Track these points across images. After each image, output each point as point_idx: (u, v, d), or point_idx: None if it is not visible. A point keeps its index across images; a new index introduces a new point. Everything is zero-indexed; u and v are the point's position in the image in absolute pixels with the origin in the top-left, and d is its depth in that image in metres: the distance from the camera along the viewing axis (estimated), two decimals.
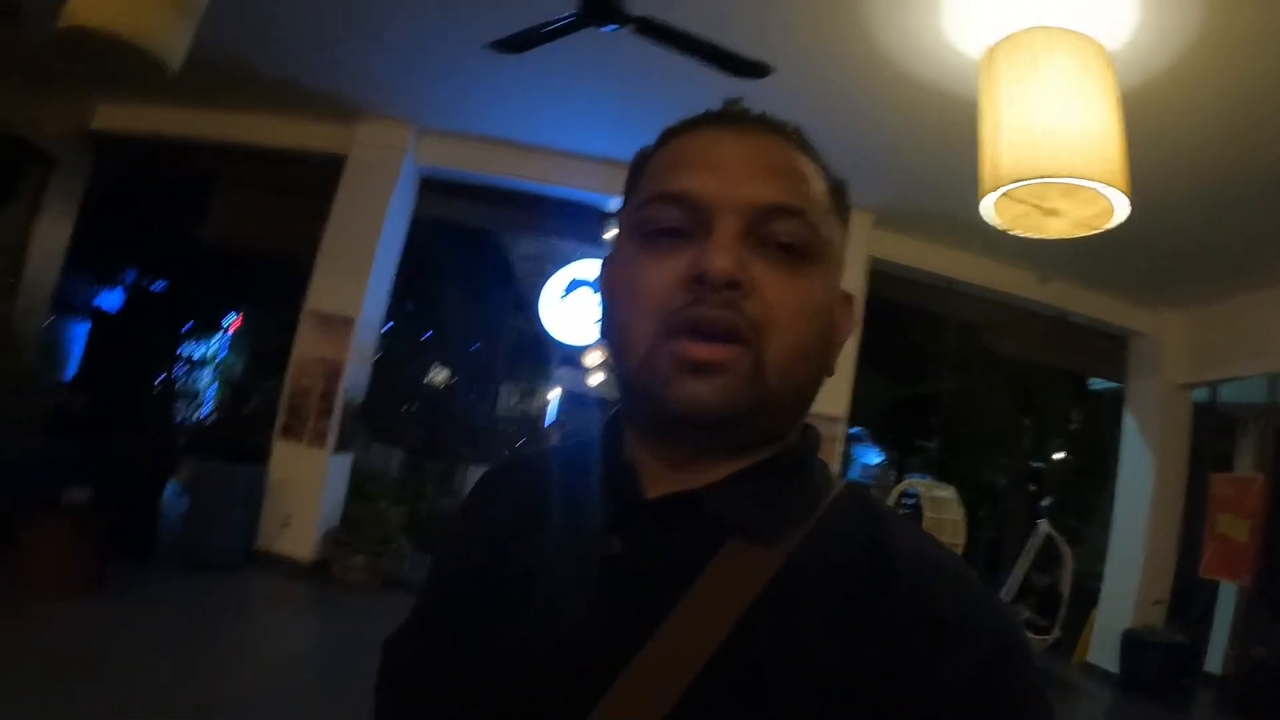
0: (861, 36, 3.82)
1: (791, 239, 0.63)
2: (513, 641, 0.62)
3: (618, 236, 0.71)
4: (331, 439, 5.92)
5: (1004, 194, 3.22)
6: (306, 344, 6.04)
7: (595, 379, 11.11)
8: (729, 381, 0.60)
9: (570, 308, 7.24)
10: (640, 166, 0.72)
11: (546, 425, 14.09)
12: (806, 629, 0.57)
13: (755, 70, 3.55)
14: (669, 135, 0.71)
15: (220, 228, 7.33)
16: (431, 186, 6.60)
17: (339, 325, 5.99)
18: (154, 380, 10.90)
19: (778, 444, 0.68)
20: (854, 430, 11.83)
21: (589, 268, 7.14)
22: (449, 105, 5.64)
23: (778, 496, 0.65)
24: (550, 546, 0.66)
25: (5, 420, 5.52)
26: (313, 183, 6.30)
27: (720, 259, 0.60)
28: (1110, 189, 3.03)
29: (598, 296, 0.73)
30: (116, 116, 6.69)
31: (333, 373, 5.93)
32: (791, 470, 0.67)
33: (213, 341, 13.13)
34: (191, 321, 12.07)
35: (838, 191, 0.71)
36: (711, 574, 0.60)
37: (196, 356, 13.06)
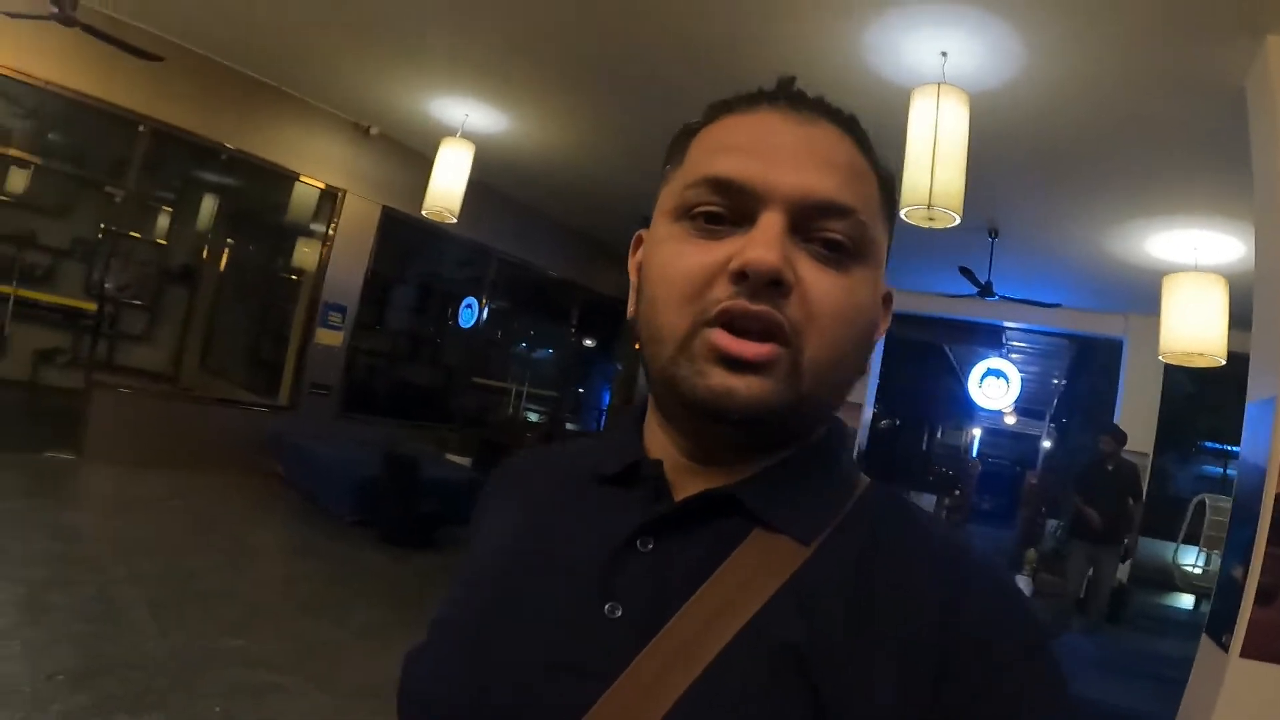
0: None
1: (840, 237, 0.64)
2: (536, 627, 0.64)
3: (656, 213, 0.71)
4: None
5: None
6: None
7: (1009, 420, 15.74)
8: (764, 380, 0.61)
9: (986, 387, 11.96)
10: (685, 141, 0.72)
11: (972, 456, 18.56)
12: (839, 619, 0.60)
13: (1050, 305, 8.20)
14: (720, 110, 0.71)
15: None
16: (897, 319, 11.43)
17: (851, 408, 11.00)
18: None
19: (804, 439, 0.70)
20: None
21: (995, 363, 11.78)
22: (904, 278, 10.51)
23: (809, 491, 0.68)
24: (579, 542, 0.69)
25: None
26: None
27: (766, 253, 0.60)
28: None
29: (634, 276, 0.73)
30: None
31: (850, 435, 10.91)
32: (821, 466, 0.71)
33: None
34: None
35: (889, 189, 0.72)
36: (738, 559, 0.63)
37: None
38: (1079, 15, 3.89)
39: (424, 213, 7.11)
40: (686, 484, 0.70)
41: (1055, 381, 14.63)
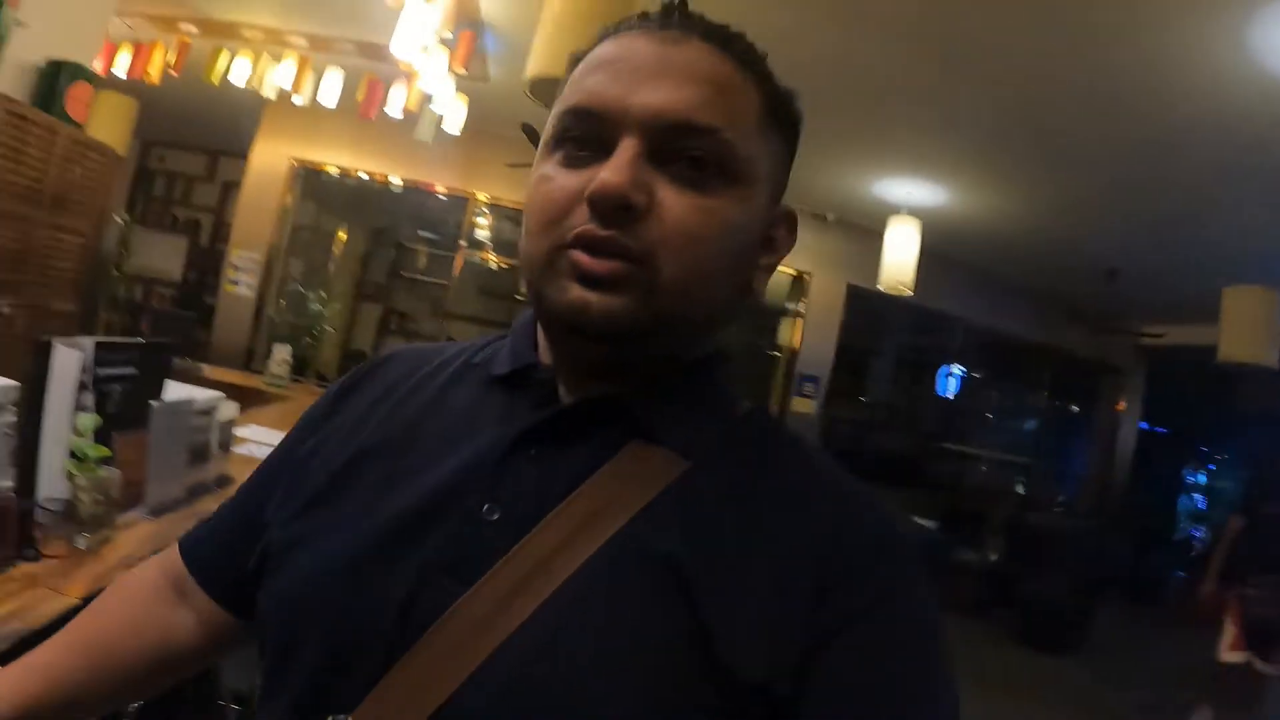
0: None
1: (703, 158, 0.66)
2: (418, 525, 0.66)
3: (539, 145, 0.73)
4: None
5: None
6: None
7: None
8: (615, 297, 0.64)
9: None
10: (569, 70, 0.74)
11: None
12: (719, 534, 0.63)
13: None
14: (600, 38, 0.73)
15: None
16: None
17: None
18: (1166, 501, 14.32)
19: (683, 360, 0.74)
20: None
21: None
22: None
23: (689, 406, 0.72)
24: (465, 441, 0.72)
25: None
26: None
27: (613, 178, 0.63)
28: None
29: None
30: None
31: None
32: (700, 384, 0.74)
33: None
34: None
35: (778, 104, 0.74)
36: (615, 466, 0.66)
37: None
38: None
39: (880, 288, 7.76)
40: (573, 393, 0.73)
41: None
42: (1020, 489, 9.68)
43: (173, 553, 0.91)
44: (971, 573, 7.59)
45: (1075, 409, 12.07)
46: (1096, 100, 5.24)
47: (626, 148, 0.65)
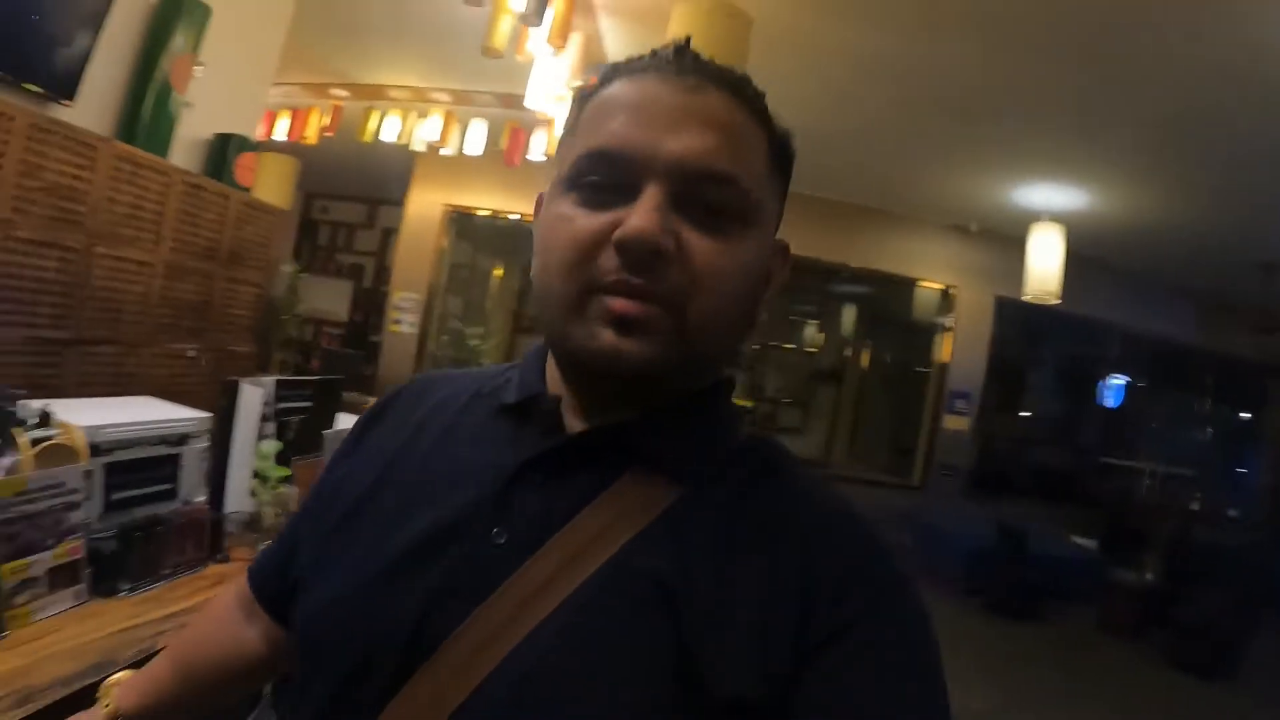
0: None
1: (722, 204, 0.68)
2: (432, 550, 0.70)
3: (554, 178, 0.74)
4: None
5: None
6: None
7: None
8: (650, 339, 0.66)
9: None
10: (579, 107, 0.75)
11: None
12: (705, 556, 0.66)
13: None
14: (612, 75, 0.74)
15: None
16: None
17: None
18: None
19: (691, 390, 0.76)
20: None
21: None
22: None
23: (689, 434, 0.74)
24: (477, 468, 0.74)
25: None
26: None
27: (644, 226, 0.64)
28: None
29: (535, 234, 0.75)
30: None
31: None
32: (703, 413, 0.76)
33: None
34: None
35: (780, 147, 0.76)
36: (615, 492, 0.69)
37: None
38: None
39: (1025, 297, 7.60)
40: (578, 421, 0.75)
41: None
42: (1187, 503, 9.31)
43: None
44: (1129, 593, 7.37)
45: (1245, 415, 11.51)
46: (1239, 86, 4.99)
47: (653, 194, 0.67)
